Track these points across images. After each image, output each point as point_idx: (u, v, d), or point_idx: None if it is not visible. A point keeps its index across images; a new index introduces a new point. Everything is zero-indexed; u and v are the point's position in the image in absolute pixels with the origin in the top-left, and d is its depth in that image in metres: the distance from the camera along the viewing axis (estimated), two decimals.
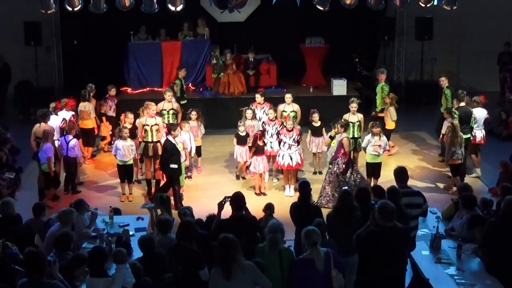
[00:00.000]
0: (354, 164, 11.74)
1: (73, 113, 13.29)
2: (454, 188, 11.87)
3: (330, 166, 11.53)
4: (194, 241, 7.08)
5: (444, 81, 13.97)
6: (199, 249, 7.03)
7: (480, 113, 12.82)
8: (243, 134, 12.54)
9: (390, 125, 13.59)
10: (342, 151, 11.31)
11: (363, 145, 12.00)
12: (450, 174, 12.48)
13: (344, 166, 11.29)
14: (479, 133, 12.77)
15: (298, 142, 12.02)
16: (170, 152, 11.35)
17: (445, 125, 12.54)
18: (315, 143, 12.85)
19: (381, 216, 6.76)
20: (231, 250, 6.34)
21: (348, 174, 11.34)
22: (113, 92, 14.34)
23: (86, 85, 14.12)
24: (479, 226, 8.18)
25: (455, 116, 12.07)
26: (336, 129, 11.64)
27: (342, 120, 11.89)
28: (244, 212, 7.91)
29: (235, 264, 6.31)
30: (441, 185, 12.52)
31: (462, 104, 12.58)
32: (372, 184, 11.34)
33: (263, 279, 6.45)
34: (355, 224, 7.56)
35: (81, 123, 13.58)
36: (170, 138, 11.45)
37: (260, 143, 12.08)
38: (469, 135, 12.38)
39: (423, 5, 13.24)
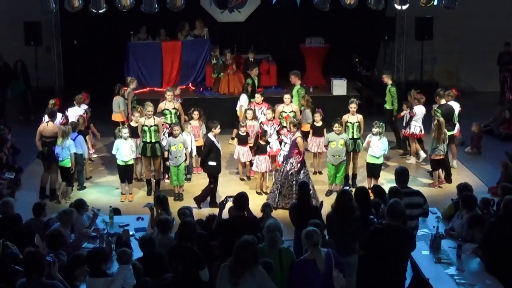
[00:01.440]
0: (306, 164, 11.66)
1: (86, 107, 13.46)
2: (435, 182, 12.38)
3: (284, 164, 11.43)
4: (194, 241, 7.07)
5: (387, 79, 14.13)
6: (198, 249, 7.02)
7: (454, 107, 12.98)
8: (244, 134, 12.53)
9: (305, 127, 13.33)
10: (296, 150, 11.27)
11: (364, 144, 12.00)
12: (430, 169, 12.78)
13: (298, 165, 11.24)
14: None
15: None
16: (208, 148, 11.42)
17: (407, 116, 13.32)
18: (315, 143, 12.85)
19: (390, 214, 6.81)
20: (249, 255, 6.26)
21: (301, 174, 11.31)
22: (178, 91, 14.25)
23: (86, 85, 14.16)
24: (479, 226, 8.18)
25: (438, 114, 12.26)
26: (291, 128, 11.58)
27: (295, 120, 11.92)
28: (245, 213, 7.91)
29: (247, 271, 6.23)
30: (428, 181, 12.66)
31: (443, 101, 12.83)
32: (372, 185, 11.33)
33: (271, 285, 6.37)
34: (354, 224, 7.57)
35: (112, 116, 13.94)
36: (210, 135, 11.53)
37: (262, 142, 12.07)
38: (452, 132, 12.61)
39: (423, 5, 13.24)
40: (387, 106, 14.18)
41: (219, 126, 11.77)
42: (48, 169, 11.95)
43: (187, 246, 6.92)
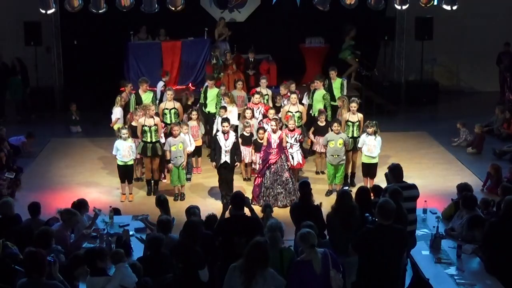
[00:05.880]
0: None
1: None
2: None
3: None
4: (198, 241, 7.05)
5: (209, 83, 14.13)
6: (204, 249, 7.01)
7: None
8: (248, 134, 12.47)
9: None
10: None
11: (359, 145, 11.96)
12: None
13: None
14: None
15: (299, 142, 12.04)
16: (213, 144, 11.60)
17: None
18: (319, 143, 12.84)
19: (381, 214, 6.77)
20: (261, 256, 6.23)
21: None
22: (223, 90, 14.34)
23: (86, 85, 14.19)
24: (479, 227, 8.19)
25: (328, 97, 13.32)
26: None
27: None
28: (244, 212, 7.91)
29: (258, 272, 6.21)
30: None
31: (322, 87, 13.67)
32: (368, 185, 11.30)
33: (279, 280, 6.38)
34: (354, 223, 7.57)
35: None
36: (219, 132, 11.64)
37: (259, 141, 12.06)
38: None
39: (423, 5, 13.23)
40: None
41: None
42: None
43: (189, 245, 6.92)
